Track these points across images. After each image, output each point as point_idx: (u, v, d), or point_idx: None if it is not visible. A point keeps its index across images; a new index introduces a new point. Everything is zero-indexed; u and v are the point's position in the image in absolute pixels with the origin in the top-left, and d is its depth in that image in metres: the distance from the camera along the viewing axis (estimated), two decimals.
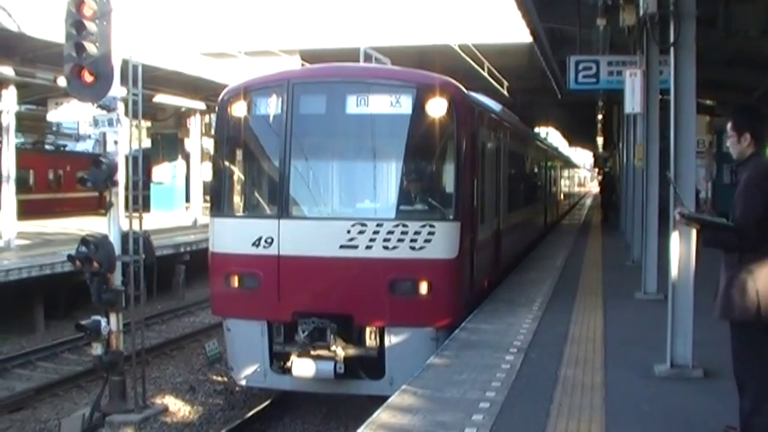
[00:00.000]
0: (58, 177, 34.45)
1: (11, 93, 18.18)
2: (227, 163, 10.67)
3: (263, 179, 10.89)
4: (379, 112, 9.90)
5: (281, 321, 9.88)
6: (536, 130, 41.19)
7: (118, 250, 10.06)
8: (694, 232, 7.48)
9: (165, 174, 31.75)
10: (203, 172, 26.94)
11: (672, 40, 7.77)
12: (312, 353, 9.59)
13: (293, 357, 9.70)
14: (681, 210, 5.37)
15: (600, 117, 34.64)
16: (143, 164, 11.17)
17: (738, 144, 5.19)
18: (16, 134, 36.04)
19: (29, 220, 25.14)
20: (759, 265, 4.93)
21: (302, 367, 9.58)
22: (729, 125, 5.26)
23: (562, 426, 6.06)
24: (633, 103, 12.50)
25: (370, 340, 9.76)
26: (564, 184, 38.71)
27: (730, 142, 5.26)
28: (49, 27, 14.31)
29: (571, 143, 70.46)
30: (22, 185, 31.70)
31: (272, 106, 10.15)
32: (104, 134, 10.17)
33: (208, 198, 15.03)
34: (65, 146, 40.28)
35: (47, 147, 39.48)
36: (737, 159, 5.27)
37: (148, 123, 29.92)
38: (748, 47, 16.20)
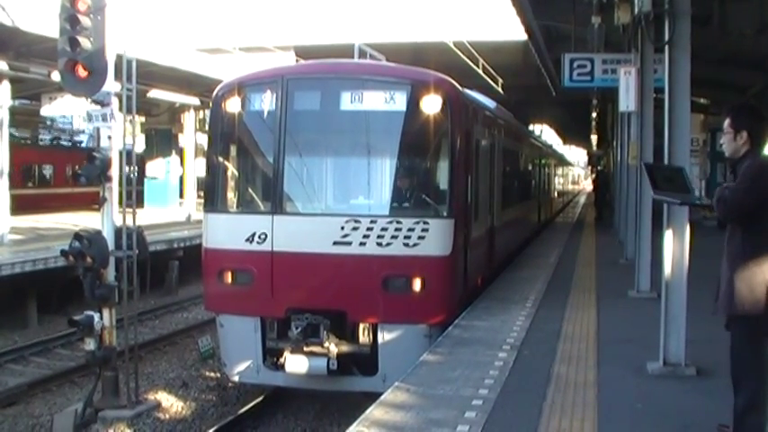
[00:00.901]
0: (75, 172, 34.80)
1: (5, 87, 18.07)
2: (221, 159, 10.65)
3: (257, 175, 10.87)
4: (374, 108, 9.87)
5: (275, 317, 9.86)
6: (530, 127, 41.26)
7: (111, 245, 10.05)
8: (688, 230, 7.52)
9: (159, 169, 31.69)
10: (197, 168, 26.88)
11: (666, 38, 7.78)
12: (305, 349, 9.57)
13: (286, 353, 9.67)
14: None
15: (594, 115, 34.74)
16: (137, 159, 11.16)
17: (734, 141, 5.15)
18: (36, 130, 36.81)
19: (49, 214, 25.48)
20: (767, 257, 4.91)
21: (295, 363, 9.57)
22: (727, 122, 5.20)
23: (555, 423, 6.06)
24: (627, 101, 12.51)
25: (364, 337, 9.75)
26: (558, 182, 38.73)
27: (725, 139, 5.22)
28: (43, 21, 14.28)
29: (565, 141, 70.65)
30: (41, 180, 32.62)
31: (266, 102, 10.11)
32: (98, 129, 10.16)
33: (202, 194, 15.00)
34: (81, 142, 40.81)
35: (63, 143, 40.23)
36: (729, 156, 5.25)
37: (142, 119, 29.87)
38: (743, 46, 16.27)
